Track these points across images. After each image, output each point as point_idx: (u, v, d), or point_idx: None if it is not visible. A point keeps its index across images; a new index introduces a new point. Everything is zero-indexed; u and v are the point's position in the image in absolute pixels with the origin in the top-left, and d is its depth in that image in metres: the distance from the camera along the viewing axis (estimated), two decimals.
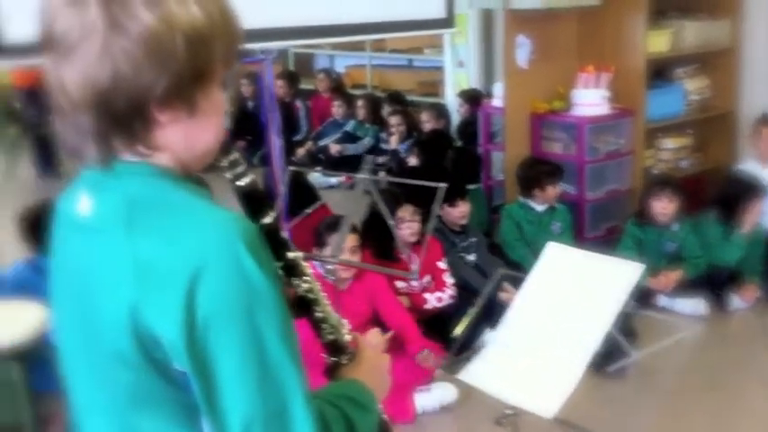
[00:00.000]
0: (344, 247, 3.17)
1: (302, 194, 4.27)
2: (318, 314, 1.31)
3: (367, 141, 7.14)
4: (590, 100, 4.71)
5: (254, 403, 0.98)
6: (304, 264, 1.30)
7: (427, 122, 6.32)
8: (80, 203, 1.07)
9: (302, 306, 1.31)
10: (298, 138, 7.70)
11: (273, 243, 1.23)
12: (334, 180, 6.71)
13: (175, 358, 0.98)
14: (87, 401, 1.12)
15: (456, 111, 6.57)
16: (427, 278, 3.96)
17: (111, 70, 0.96)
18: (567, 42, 4.91)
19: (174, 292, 0.95)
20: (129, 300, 0.97)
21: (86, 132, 1.00)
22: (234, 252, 0.97)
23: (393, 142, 6.64)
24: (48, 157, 7.30)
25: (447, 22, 3.83)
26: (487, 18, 6.46)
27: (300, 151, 7.38)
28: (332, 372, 1.33)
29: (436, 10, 3.76)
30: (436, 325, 3.70)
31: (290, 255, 1.27)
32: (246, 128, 6.81)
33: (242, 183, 1.20)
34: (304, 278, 1.28)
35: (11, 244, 3.69)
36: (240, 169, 1.19)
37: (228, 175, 1.19)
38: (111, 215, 1.02)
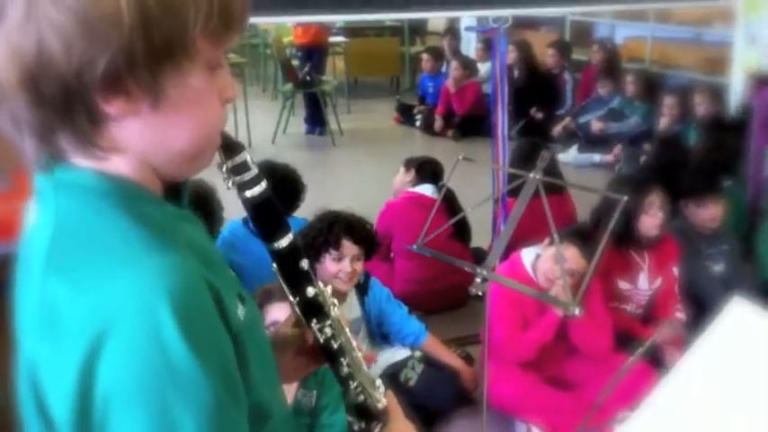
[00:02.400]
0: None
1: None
2: (344, 368, 1.05)
3: (633, 121, 6.54)
4: None
5: None
6: (328, 301, 1.04)
7: (700, 104, 5.62)
8: (31, 215, 0.87)
9: (326, 356, 1.06)
10: (560, 112, 7.27)
11: (289, 274, 1.00)
12: (596, 158, 6.30)
13: None
14: None
15: (740, 93, 5.77)
16: (658, 281, 3.46)
17: (36, 41, 0.75)
18: None
19: (70, 357, 0.74)
20: (30, 353, 0.78)
21: (22, 123, 0.80)
22: (152, 314, 0.74)
23: (664, 124, 6.01)
24: (315, 115, 7.60)
25: None
26: None
27: (557, 128, 6.96)
28: None
29: None
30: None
31: (311, 291, 1.02)
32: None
33: (250, 193, 0.96)
34: (327, 322, 1.03)
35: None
36: (248, 176, 0.95)
37: (231, 182, 0.95)
38: (37, 241, 0.82)
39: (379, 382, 1.11)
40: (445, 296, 3.86)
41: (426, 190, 3.99)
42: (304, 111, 7.70)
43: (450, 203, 3.83)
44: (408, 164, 4.16)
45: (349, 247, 2.89)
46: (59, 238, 0.80)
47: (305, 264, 1.01)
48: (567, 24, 8.59)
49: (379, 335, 3.18)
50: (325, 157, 7.13)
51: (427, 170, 4.09)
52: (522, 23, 8.11)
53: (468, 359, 3.32)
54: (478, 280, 2.19)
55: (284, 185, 3.54)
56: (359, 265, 2.93)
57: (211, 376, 0.77)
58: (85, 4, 0.74)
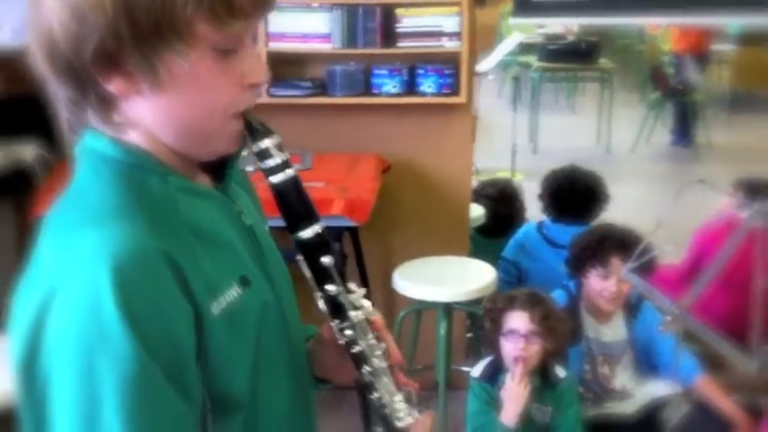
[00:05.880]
0: None
1: None
2: (366, 376, 1.03)
3: None
4: None
5: None
6: (353, 301, 1.02)
7: None
8: None
9: (352, 359, 1.04)
10: None
11: (311, 267, 1.00)
12: None
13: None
14: None
15: None
16: None
17: (45, 24, 0.85)
18: None
19: (27, 310, 0.83)
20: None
21: (60, 99, 0.91)
22: (94, 278, 0.80)
23: None
24: (684, 126, 7.16)
25: None
26: None
27: None
28: None
29: None
30: None
31: (331, 288, 1.00)
32: None
33: (275, 179, 0.97)
34: (347, 323, 1.01)
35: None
36: (273, 162, 0.96)
37: (253, 167, 0.98)
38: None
39: (404, 396, 1.06)
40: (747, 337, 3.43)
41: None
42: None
43: None
44: (738, 183, 3.75)
45: (617, 266, 2.72)
46: (65, 197, 0.90)
47: (327, 260, 1.00)
48: None
49: (647, 364, 2.95)
50: (685, 171, 6.68)
51: (760, 192, 3.64)
52: None
53: (755, 412, 2.92)
54: None
55: (582, 193, 3.45)
56: (626, 286, 2.74)
57: (141, 346, 0.80)
58: None
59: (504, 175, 5.49)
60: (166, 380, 0.83)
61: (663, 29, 7.60)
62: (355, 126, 3.32)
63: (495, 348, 2.53)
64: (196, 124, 0.91)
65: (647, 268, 2.74)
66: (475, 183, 4.01)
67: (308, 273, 1.02)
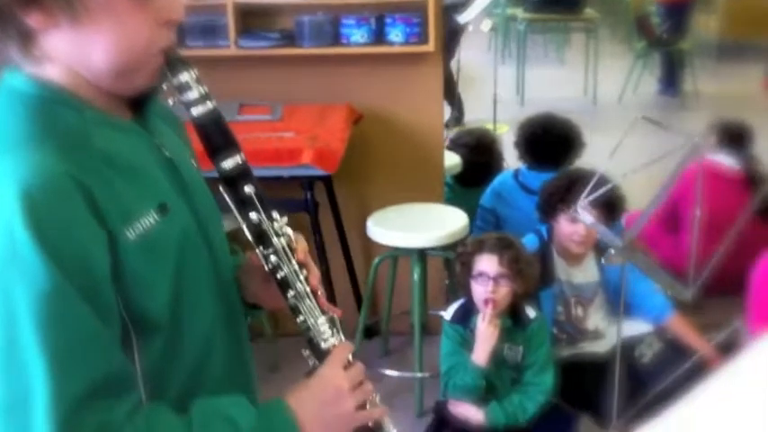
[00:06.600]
0: None
1: None
2: (291, 300, 1.06)
3: None
4: None
5: None
6: (276, 229, 1.05)
7: None
8: None
9: (277, 285, 1.07)
10: None
11: (233, 197, 1.03)
12: None
13: None
14: None
15: None
16: None
17: None
18: None
19: None
20: None
21: None
22: (4, 210, 0.84)
23: None
24: (672, 75, 7.14)
25: None
26: None
27: None
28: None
29: None
30: None
31: (253, 216, 1.04)
32: None
33: (195, 112, 1.00)
34: (271, 250, 1.05)
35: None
36: (192, 95, 1.00)
37: (173, 101, 1.01)
38: None
39: (329, 317, 1.09)
40: (732, 279, 3.46)
41: (726, 158, 3.58)
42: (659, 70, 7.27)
43: (754, 178, 3.42)
44: (711, 127, 3.75)
45: (587, 211, 2.74)
46: None
47: (249, 189, 1.03)
48: None
49: (618, 304, 2.98)
50: (671, 119, 6.68)
51: (731, 135, 3.65)
52: None
53: (727, 349, 2.96)
54: None
55: (556, 139, 3.47)
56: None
57: (52, 264, 0.84)
58: None
59: (487, 126, 5.49)
60: (81, 299, 0.87)
61: None
62: (325, 77, 3.32)
63: (466, 291, 2.56)
64: (113, 57, 0.94)
65: (613, 210, 2.77)
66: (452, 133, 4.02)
67: (231, 203, 1.05)
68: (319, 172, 2.89)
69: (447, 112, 6.12)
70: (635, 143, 2.75)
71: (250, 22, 3.27)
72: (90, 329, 0.88)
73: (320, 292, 1.10)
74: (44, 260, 0.84)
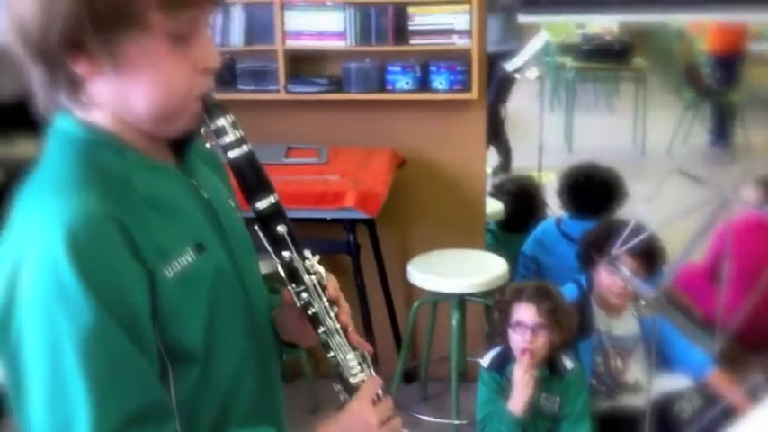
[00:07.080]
0: None
1: None
2: (322, 336, 1.10)
3: None
4: None
5: (41, 411, 0.91)
6: (308, 267, 1.09)
7: None
8: None
9: (309, 322, 1.12)
10: None
11: (267, 236, 1.08)
12: None
13: None
14: None
15: None
16: None
17: (20, 11, 0.94)
18: None
19: (2, 275, 0.93)
20: None
21: (37, 82, 1.00)
22: (50, 244, 0.90)
23: None
24: (722, 127, 7.08)
25: None
26: None
27: None
28: None
29: None
30: None
31: (286, 255, 1.08)
32: None
33: (232, 155, 1.05)
34: (302, 287, 1.09)
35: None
36: (228, 139, 1.05)
37: (211, 145, 1.06)
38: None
39: (357, 355, 1.13)
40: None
41: None
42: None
43: None
44: (759, 180, 3.71)
45: (626, 262, 2.73)
46: (33, 172, 1.00)
47: (282, 228, 1.08)
48: None
49: (659, 358, 2.94)
50: (721, 171, 6.60)
51: None
52: None
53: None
54: None
55: (598, 188, 3.47)
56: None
57: (95, 300, 0.90)
58: None
59: (533, 174, 5.50)
60: (121, 332, 0.92)
61: (701, 28, 7.52)
62: (370, 121, 3.39)
63: (504, 338, 2.56)
64: (153, 104, 0.99)
65: (652, 260, 2.74)
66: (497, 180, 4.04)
67: (265, 241, 1.10)
68: (362, 215, 2.93)
69: (494, 158, 6.16)
70: (677, 194, 2.77)
71: (299, 68, 3.37)
72: (129, 361, 0.93)
73: (351, 328, 1.13)
74: (87, 296, 0.89)
